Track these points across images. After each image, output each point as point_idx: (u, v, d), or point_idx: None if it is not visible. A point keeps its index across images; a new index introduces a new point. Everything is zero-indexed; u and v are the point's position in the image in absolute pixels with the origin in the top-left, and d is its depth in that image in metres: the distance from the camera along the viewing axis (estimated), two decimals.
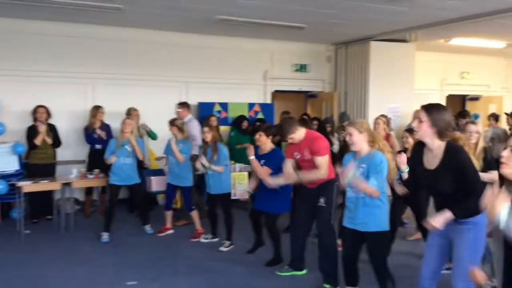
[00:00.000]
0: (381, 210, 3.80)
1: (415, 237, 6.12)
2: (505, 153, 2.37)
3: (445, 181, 3.10)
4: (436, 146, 3.16)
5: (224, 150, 6.05)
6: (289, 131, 4.61)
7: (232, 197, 6.67)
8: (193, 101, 8.90)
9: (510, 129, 8.59)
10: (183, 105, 7.74)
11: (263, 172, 5.12)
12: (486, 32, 8.60)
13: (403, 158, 3.35)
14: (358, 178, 3.70)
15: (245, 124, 8.86)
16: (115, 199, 6.52)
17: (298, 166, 4.79)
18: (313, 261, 4.82)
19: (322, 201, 4.53)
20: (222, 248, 5.95)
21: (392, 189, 4.28)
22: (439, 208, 3.23)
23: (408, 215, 6.44)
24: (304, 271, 5.03)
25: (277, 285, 4.82)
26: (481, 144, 4.63)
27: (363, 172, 3.76)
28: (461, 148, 3.20)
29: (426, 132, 3.13)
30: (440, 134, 3.11)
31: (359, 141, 3.78)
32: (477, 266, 2.93)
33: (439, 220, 3.06)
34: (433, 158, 3.19)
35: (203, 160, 5.99)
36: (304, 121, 6.84)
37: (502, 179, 2.47)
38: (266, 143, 5.31)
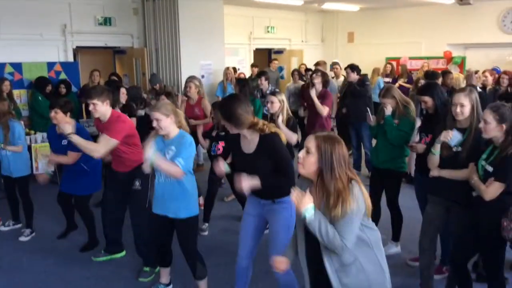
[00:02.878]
0: (190, 194, 3.61)
1: (232, 197, 6.23)
2: (300, 154, 2.40)
3: (262, 164, 3.17)
4: (248, 134, 3.25)
5: (19, 127, 5.24)
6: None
7: (35, 172, 6.01)
8: None
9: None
10: None
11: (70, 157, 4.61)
12: None
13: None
14: (158, 157, 3.43)
15: (49, 88, 7.86)
16: None
17: None
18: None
19: (137, 183, 4.21)
20: (22, 238, 5.28)
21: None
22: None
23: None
24: (122, 253, 4.75)
25: (94, 273, 4.45)
26: (284, 115, 4.82)
27: (173, 155, 3.51)
28: (272, 135, 3.27)
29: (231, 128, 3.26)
30: (241, 126, 3.20)
31: (168, 125, 3.52)
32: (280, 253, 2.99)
33: (247, 183, 3.08)
34: (249, 144, 3.26)
35: None
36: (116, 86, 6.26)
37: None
38: (63, 120, 4.64)
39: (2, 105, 5.20)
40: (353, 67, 7.48)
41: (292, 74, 9.60)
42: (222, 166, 3.36)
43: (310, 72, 8.90)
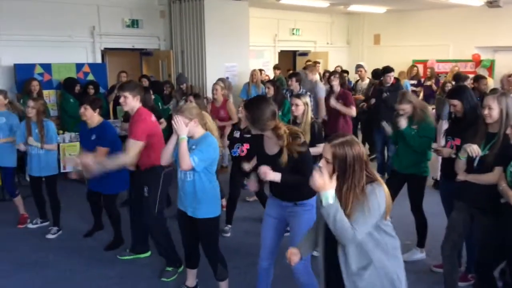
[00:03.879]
0: (209, 195, 3.60)
1: (254, 198, 6.22)
2: (321, 163, 2.42)
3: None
4: (270, 135, 3.26)
5: (52, 126, 5.38)
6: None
7: (62, 171, 6.16)
8: (6, 62, 7.70)
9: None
10: None
11: (99, 153, 4.66)
12: None
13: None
14: (184, 141, 3.48)
15: (78, 88, 8.02)
16: None
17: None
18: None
19: (145, 190, 4.23)
20: (49, 236, 5.39)
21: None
22: (274, 187, 3.41)
23: None
24: (147, 253, 4.80)
25: (118, 272, 4.51)
26: (309, 117, 4.70)
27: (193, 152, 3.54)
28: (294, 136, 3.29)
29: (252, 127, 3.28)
30: (262, 129, 3.25)
31: (191, 128, 3.54)
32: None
33: (269, 173, 3.17)
34: (272, 145, 3.27)
35: (30, 139, 5.25)
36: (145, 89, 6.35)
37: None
38: (92, 117, 4.80)
39: (39, 105, 5.30)
40: (386, 70, 7.44)
41: (323, 76, 9.50)
42: (254, 182, 3.49)
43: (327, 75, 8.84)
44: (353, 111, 6.42)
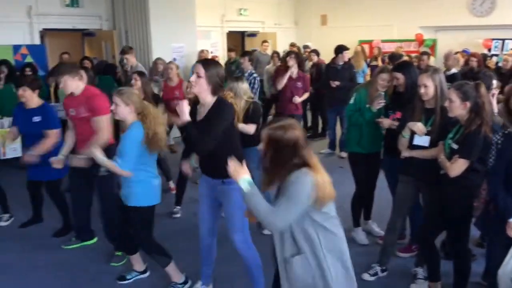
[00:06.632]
0: (139, 183, 3.53)
1: None
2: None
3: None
4: (208, 101, 3.21)
5: None
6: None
7: (2, 157, 5.85)
8: None
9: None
10: None
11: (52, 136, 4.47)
12: None
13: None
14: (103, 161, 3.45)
15: (3, 69, 7.56)
16: None
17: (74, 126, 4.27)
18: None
19: (103, 169, 4.08)
20: (2, 223, 5.19)
21: None
22: (202, 163, 3.39)
23: None
24: (94, 240, 4.68)
25: (65, 258, 4.38)
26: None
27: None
28: (228, 104, 3.33)
29: (202, 87, 3.15)
30: (214, 91, 3.18)
31: (124, 113, 3.48)
32: (246, 219, 3.13)
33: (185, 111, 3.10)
34: (203, 112, 3.25)
35: None
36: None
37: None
38: (32, 98, 4.58)
39: None
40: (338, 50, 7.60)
41: (272, 56, 9.48)
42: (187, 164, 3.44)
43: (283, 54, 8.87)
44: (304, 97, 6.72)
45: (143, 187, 3.54)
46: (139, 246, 3.83)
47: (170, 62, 7.12)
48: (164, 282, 3.85)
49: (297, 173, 2.31)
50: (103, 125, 4.07)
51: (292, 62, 6.77)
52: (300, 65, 7.08)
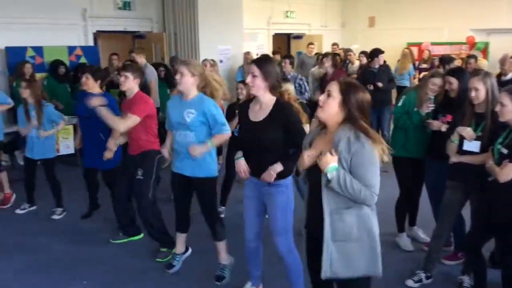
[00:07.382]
0: (209, 155, 3.72)
1: None
2: (322, 97, 2.49)
3: (270, 133, 3.14)
4: (266, 100, 3.19)
5: (51, 110, 5.31)
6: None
7: (57, 154, 6.06)
8: None
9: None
10: None
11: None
12: None
13: None
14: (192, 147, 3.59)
15: (62, 70, 7.94)
16: None
17: None
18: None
19: (139, 173, 4.22)
20: (55, 217, 5.43)
21: None
22: (250, 165, 3.29)
23: None
24: (140, 235, 4.81)
25: (112, 254, 4.53)
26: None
27: (193, 118, 3.59)
28: (290, 104, 3.39)
29: (260, 86, 3.13)
30: (272, 87, 3.17)
31: (189, 84, 3.58)
32: (290, 222, 3.26)
33: (271, 174, 3.13)
34: (260, 111, 3.21)
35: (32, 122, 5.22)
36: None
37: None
38: (94, 87, 4.76)
39: (33, 86, 5.21)
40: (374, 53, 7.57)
41: (317, 58, 9.45)
42: (244, 165, 3.27)
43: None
44: None
45: (210, 157, 3.73)
46: (207, 218, 3.89)
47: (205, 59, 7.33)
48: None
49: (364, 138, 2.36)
50: (129, 122, 4.10)
51: (327, 63, 6.85)
52: (336, 66, 7.12)
